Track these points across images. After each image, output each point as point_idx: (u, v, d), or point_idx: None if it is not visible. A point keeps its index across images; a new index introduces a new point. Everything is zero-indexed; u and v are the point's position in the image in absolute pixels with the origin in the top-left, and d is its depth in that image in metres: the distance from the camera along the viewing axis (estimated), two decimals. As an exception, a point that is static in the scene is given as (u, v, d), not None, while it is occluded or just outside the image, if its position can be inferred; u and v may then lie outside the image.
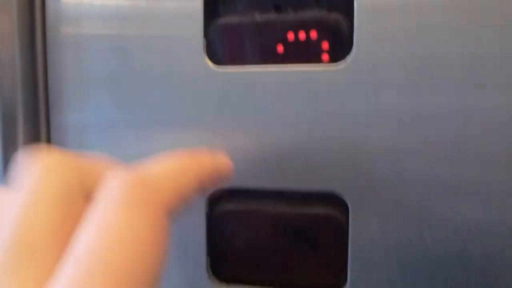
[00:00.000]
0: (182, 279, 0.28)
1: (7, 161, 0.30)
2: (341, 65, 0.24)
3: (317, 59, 0.25)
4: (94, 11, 0.28)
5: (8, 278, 0.13)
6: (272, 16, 0.26)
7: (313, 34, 0.24)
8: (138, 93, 0.28)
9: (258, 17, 0.25)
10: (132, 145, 0.28)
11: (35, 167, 0.16)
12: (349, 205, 0.25)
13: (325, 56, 0.25)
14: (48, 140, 0.31)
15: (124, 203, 0.14)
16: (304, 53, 0.25)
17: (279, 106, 0.25)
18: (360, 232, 0.25)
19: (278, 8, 0.25)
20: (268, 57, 0.26)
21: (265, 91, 0.26)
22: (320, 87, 0.25)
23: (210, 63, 0.26)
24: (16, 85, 0.30)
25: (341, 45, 0.24)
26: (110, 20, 0.28)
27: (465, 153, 0.23)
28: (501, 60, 0.22)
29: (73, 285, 0.13)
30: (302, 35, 0.24)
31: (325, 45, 0.24)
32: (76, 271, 0.13)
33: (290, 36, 0.25)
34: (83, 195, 0.16)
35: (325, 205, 0.26)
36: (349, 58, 0.24)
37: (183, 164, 0.18)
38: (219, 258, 0.28)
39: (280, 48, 0.25)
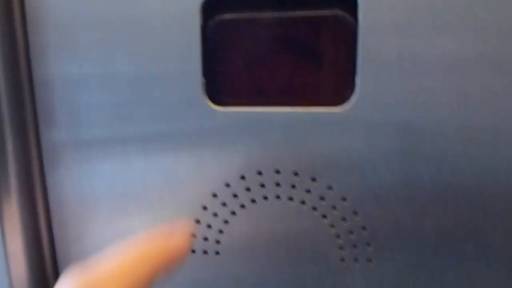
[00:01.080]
0: (176, 100, 0.25)
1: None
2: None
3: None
4: None
5: None
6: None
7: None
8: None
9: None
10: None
11: None
12: (358, 2, 0.22)
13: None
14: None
15: None
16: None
17: None
18: (371, 34, 0.22)
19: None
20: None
21: None
22: None
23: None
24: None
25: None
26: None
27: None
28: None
29: None
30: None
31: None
32: None
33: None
34: None
35: (331, 5, 0.22)
36: None
37: (136, 260, 0.17)
38: (215, 77, 0.25)
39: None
